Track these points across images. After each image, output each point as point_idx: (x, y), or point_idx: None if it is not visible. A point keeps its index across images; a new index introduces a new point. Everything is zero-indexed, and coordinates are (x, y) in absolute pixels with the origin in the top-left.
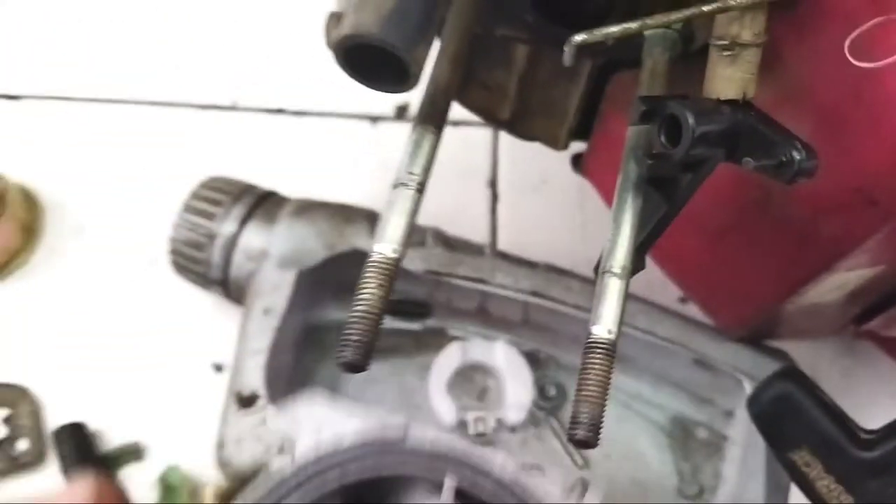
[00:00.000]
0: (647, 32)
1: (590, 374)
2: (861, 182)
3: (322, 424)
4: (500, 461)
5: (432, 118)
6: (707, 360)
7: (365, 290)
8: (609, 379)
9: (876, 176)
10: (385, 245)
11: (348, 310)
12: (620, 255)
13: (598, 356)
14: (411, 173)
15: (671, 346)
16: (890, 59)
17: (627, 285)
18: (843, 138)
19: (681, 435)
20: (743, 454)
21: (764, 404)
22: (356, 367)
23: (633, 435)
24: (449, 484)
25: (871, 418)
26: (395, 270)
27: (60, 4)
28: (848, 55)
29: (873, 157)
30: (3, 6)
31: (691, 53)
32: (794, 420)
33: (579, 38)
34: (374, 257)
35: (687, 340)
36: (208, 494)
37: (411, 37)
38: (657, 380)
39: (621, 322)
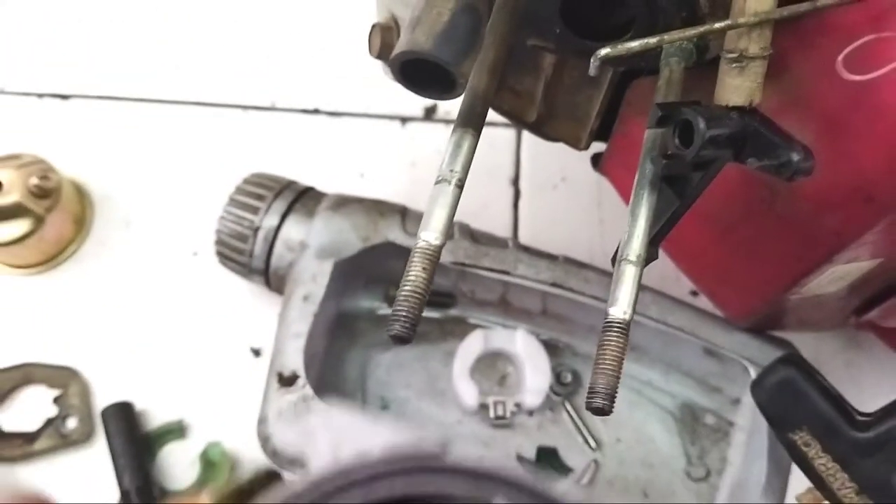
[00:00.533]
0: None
1: (606, 349)
2: (859, 181)
3: (341, 438)
4: (564, 489)
5: (471, 122)
6: (716, 350)
7: (412, 273)
8: (623, 355)
9: (872, 176)
10: (430, 233)
11: (396, 291)
12: (636, 245)
13: (615, 334)
14: (452, 170)
15: (682, 335)
16: (879, 72)
17: (641, 273)
18: (842, 142)
19: (689, 420)
20: (748, 439)
21: (767, 388)
22: (403, 339)
23: (644, 420)
24: None
25: (873, 405)
26: (437, 256)
27: (105, 8)
28: (842, 68)
29: (870, 159)
30: (50, 9)
31: (704, 63)
32: (794, 403)
33: (603, 52)
34: (420, 244)
35: (697, 330)
36: (205, 495)
37: (459, 53)
38: (668, 368)
39: (635, 304)
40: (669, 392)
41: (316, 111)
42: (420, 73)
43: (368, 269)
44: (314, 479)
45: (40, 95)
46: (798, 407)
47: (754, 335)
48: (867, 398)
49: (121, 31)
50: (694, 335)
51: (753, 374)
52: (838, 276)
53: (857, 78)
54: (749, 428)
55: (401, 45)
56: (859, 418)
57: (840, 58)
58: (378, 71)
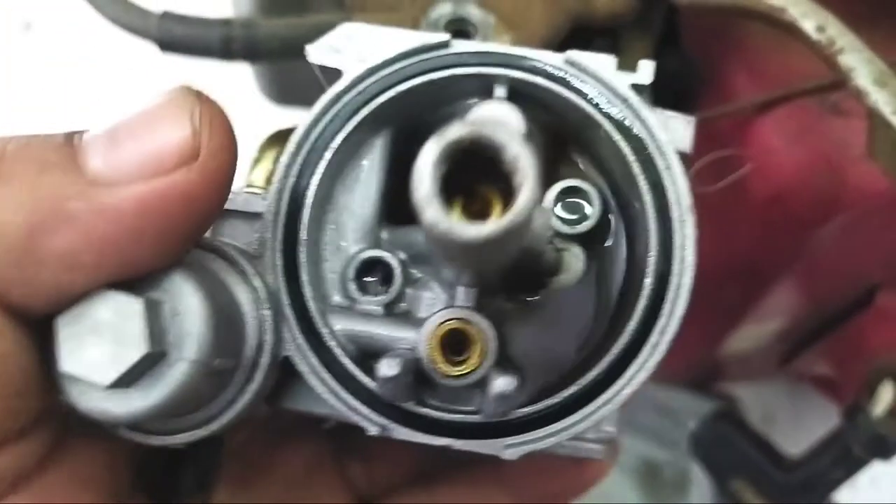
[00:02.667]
0: None
1: None
2: (743, 259)
3: (366, 51)
4: (548, 53)
5: None
6: (665, 406)
7: None
8: None
9: (750, 256)
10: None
11: None
12: None
13: None
14: None
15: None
16: (718, 186)
17: None
18: (727, 231)
19: (649, 477)
20: (705, 490)
21: (704, 441)
22: None
23: (607, 481)
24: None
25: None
26: None
27: None
28: (691, 184)
29: (745, 243)
30: None
31: None
32: (729, 453)
33: None
34: None
35: (649, 389)
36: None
37: None
38: (625, 426)
39: None
40: (628, 449)
41: None
42: None
43: None
44: (353, 79)
45: None
46: (733, 457)
47: (695, 390)
48: (811, 438)
49: None
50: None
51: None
52: (749, 335)
53: (700, 190)
54: (705, 478)
55: None
56: (788, 462)
57: (691, 174)
58: None
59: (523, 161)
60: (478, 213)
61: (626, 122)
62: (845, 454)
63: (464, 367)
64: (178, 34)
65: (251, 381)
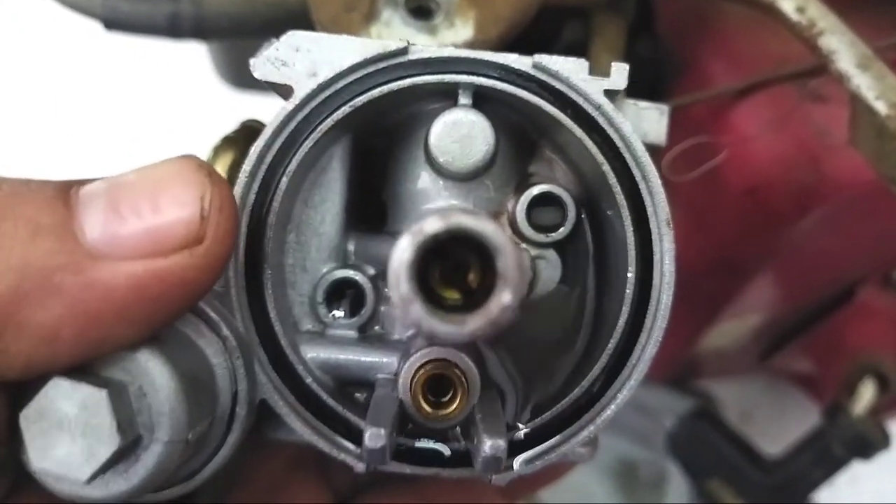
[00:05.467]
0: None
1: None
2: (720, 253)
3: (317, 63)
4: (515, 57)
5: None
6: (642, 404)
7: None
8: None
9: (727, 249)
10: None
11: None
12: None
13: None
14: None
15: None
16: (694, 173)
17: None
18: (703, 223)
19: (626, 476)
20: (682, 489)
21: (681, 441)
22: None
23: (585, 481)
24: (467, 84)
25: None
26: None
27: None
28: (664, 172)
29: (721, 235)
30: None
31: None
32: (707, 453)
33: None
34: None
35: None
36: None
37: None
38: None
39: None
40: (605, 448)
41: None
42: None
43: None
44: (304, 97)
45: None
46: (710, 456)
47: (673, 388)
48: (791, 436)
49: None
50: None
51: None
52: (727, 331)
53: (675, 179)
54: (680, 477)
55: None
56: (766, 462)
57: (663, 163)
58: None
59: (506, 261)
60: (454, 277)
61: (600, 130)
62: (825, 454)
63: (447, 409)
64: (124, 11)
65: (230, 433)
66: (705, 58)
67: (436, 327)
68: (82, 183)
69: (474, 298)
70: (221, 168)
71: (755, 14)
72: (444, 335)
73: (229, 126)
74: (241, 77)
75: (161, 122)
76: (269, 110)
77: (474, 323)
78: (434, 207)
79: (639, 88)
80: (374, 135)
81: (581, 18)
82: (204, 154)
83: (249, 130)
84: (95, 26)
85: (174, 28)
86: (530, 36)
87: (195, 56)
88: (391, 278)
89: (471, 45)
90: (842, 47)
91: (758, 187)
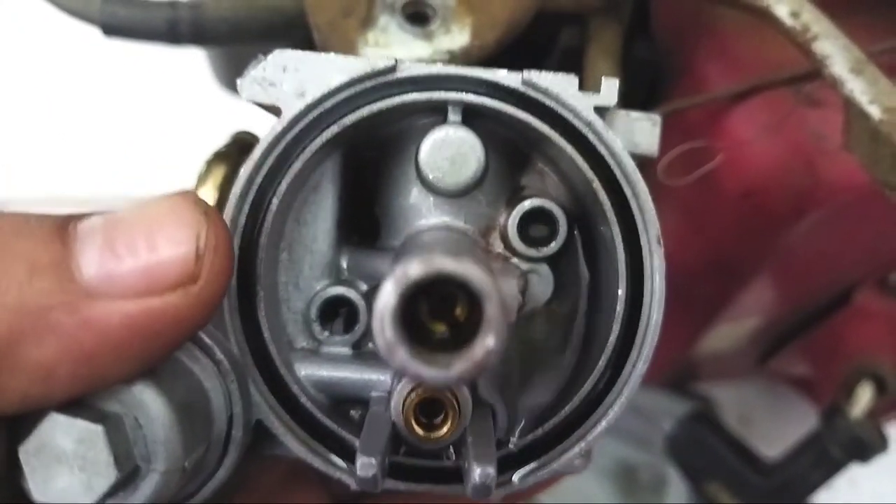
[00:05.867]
0: None
1: None
2: (717, 256)
3: (304, 83)
4: (504, 73)
5: None
6: (641, 407)
7: None
8: None
9: (724, 253)
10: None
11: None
12: None
13: None
14: None
15: None
16: (690, 177)
17: None
18: (700, 226)
19: (625, 479)
20: (681, 491)
21: (679, 443)
22: None
23: (584, 484)
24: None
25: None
26: None
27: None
28: (661, 177)
29: (717, 238)
30: None
31: None
32: (705, 455)
33: None
34: None
35: None
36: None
37: None
38: None
39: None
40: (604, 451)
41: None
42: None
43: None
44: (292, 118)
45: None
46: (709, 459)
47: (671, 391)
48: (790, 439)
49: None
50: None
51: (667, 427)
52: (725, 334)
53: (670, 183)
54: (679, 479)
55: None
56: (765, 465)
57: (659, 168)
58: None
59: (490, 306)
60: (442, 309)
61: (590, 147)
62: (823, 456)
63: (439, 432)
64: (122, 17)
65: (227, 455)
66: (701, 62)
67: (421, 372)
68: (79, 218)
69: (462, 331)
70: (214, 184)
71: (751, 18)
72: (430, 379)
73: (228, 131)
74: None
75: (159, 128)
76: (266, 116)
77: (459, 367)
78: (426, 225)
79: (635, 92)
80: (366, 147)
81: (577, 22)
82: (200, 157)
83: (241, 143)
84: (95, 32)
85: (173, 34)
86: (527, 40)
87: (193, 61)
88: (375, 323)
89: (467, 50)
90: (835, 52)
91: (754, 191)
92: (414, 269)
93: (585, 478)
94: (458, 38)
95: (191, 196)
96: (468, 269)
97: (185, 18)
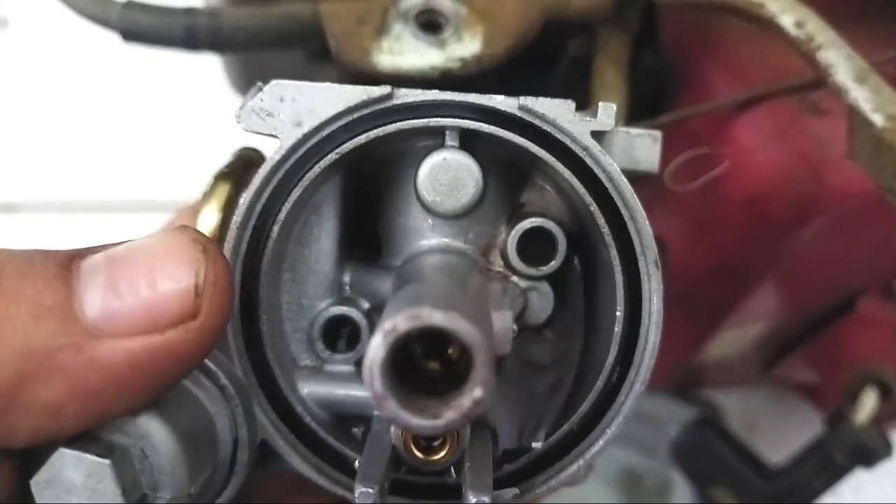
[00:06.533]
0: None
1: None
2: (721, 263)
3: (301, 112)
4: (500, 99)
5: None
6: (646, 413)
7: None
8: None
9: (728, 259)
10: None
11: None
12: None
13: None
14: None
15: None
16: (696, 184)
17: None
18: (704, 233)
19: (630, 485)
20: (686, 496)
21: (684, 449)
22: None
23: (587, 490)
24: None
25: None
26: None
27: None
28: (667, 181)
29: (722, 245)
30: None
31: None
32: (710, 461)
33: None
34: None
35: None
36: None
37: None
38: None
39: None
40: (609, 456)
41: None
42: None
43: None
44: (289, 147)
45: None
46: (714, 464)
47: (676, 397)
48: (793, 446)
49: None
50: None
51: (673, 433)
52: (729, 340)
53: (677, 188)
54: (684, 485)
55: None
56: (769, 470)
57: (665, 173)
58: None
59: (479, 359)
60: (435, 348)
61: (588, 171)
62: (828, 462)
63: (437, 455)
64: (142, 23)
65: (233, 476)
66: (707, 70)
67: (410, 422)
68: (82, 256)
69: (455, 369)
70: (217, 204)
71: (756, 28)
72: (419, 429)
73: (242, 136)
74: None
75: (173, 133)
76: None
77: (448, 417)
78: (426, 245)
79: (642, 100)
80: (366, 163)
81: (586, 32)
82: (214, 163)
83: (244, 160)
84: (109, 39)
85: (191, 40)
86: (536, 49)
87: (209, 68)
88: (365, 374)
89: (479, 58)
90: (839, 61)
91: (758, 198)
92: (402, 322)
93: (589, 483)
94: (469, 46)
95: (189, 232)
96: (457, 324)
97: (203, 25)
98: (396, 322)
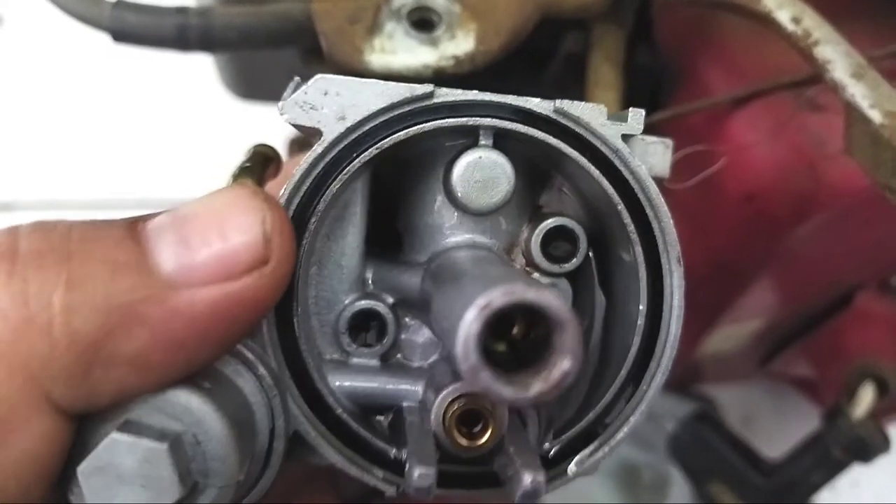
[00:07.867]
0: None
1: None
2: (719, 259)
3: (345, 107)
4: (537, 101)
5: None
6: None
7: None
8: None
9: (726, 255)
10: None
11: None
12: None
13: None
14: None
15: None
16: (693, 181)
17: None
18: (702, 230)
19: (629, 480)
20: (684, 492)
21: (682, 443)
22: None
23: (587, 485)
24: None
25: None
26: None
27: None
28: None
29: (720, 241)
30: None
31: None
32: (707, 455)
33: None
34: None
35: None
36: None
37: None
38: None
39: None
40: None
41: None
42: None
43: None
44: (332, 140)
45: None
46: (711, 459)
47: (674, 391)
48: (791, 440)
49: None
50: None
51: (670, 427)
52: (727, 336)
53: (674, 186)
54: (682, 480)
55: None
56: (767, 465)
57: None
58: None
59: (570, 334)
60: (500, 328)
61: (616, 172)
62: (825, 457)
63: (479, 441)
64: (132, 23)
65: (268, 467)
66: (703, 67)
67: (502, 392)
68: (145, 219)
69: (520, 351)
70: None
71: (752, 24)
72: (511, 399)
73: (235, 134)
74: (247, 88)
75: (166, 132)
76: (275, 120)
77: (537, 388)
78: (452, 242)
79: (638, 98)
80: (389, 162)
81: (581, 29)
82: (213, 163)
83: (261, 156)
84: (104, 38)
85: (182, 40)
86: (531, 46)
87: (202, 67)
88: (459, 349)
89: (472, 56)
90: (836, 57)
91: (756, 194)
92: (498, 298)
93: (588, 478)
94: (463, 44)
95: (248, 186)
96: (550, 300)
97: (195, 25)
98: (492, 298)
